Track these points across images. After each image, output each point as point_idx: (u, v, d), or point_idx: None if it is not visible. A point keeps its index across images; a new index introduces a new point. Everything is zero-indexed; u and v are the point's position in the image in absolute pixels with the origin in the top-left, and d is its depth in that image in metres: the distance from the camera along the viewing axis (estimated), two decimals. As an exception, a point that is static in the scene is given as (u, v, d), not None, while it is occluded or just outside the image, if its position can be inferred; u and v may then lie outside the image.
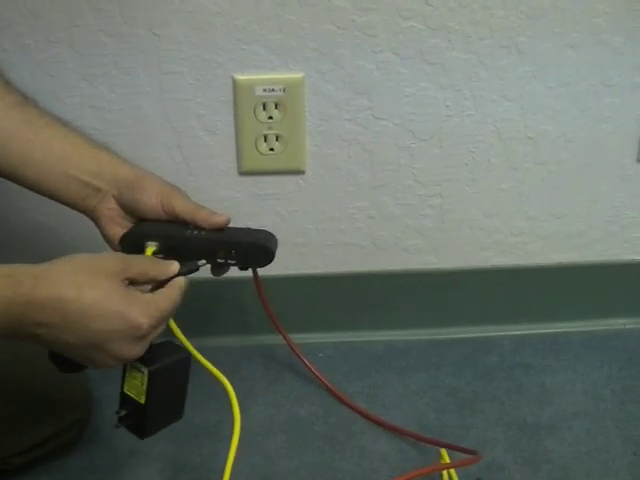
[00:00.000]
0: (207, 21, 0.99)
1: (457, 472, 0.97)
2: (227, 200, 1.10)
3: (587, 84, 1.06)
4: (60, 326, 0.71)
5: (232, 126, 1.05)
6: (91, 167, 0.85)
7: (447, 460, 0.98)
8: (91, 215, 0.87)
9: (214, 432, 1.06)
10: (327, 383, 1.11)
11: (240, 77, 1.02)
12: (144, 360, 0.77)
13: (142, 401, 0.78)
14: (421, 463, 1.01)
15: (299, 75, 1.03)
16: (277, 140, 1.06)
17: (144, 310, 0.73)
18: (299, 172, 1.09)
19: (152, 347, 0.77)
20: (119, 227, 0.85)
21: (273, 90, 1.02)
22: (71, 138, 0.87)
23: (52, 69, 1.01)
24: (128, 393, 0.79)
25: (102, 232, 0.87)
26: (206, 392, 1.11)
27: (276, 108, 1.04)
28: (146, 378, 0.77)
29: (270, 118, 1.04)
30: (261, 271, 1.08)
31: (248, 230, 0.85)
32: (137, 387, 0.78)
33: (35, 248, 1.12)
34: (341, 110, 1.05)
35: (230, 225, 0.84)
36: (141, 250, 0.82)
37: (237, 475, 0.96)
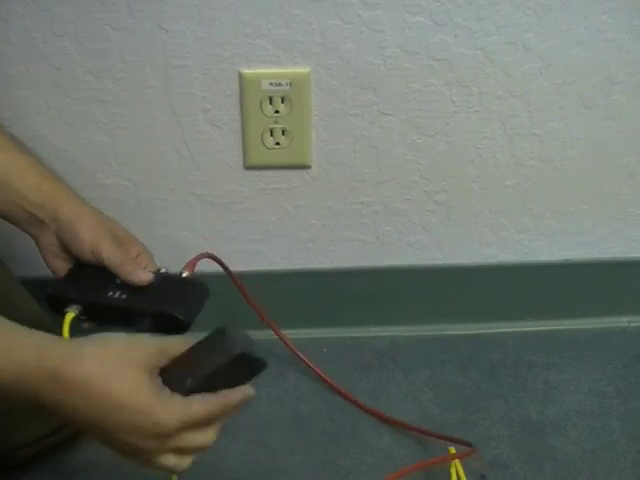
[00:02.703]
0: (213, 15, 0.99)
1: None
2: (232, 194, 1.10)
3: (593, 81, 1.06)
4: (81, 408, 0.69)
5: (238, 120, 1.05)
6: (35, 198, 0.86)
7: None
8: (35, 242, 0.88)
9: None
10: (325, 377, 1.11)
11: (246, 71, 1.02)
12: None
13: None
14: (426, 458, 1.01)
15: (305, 70, 1.02)
16: (283, 134, 1.05)
17: (170, 411, 0.69)
18: (305, 167, 1.09)
19: None
20: (60, 259, 0.87)
21: (279, 84, 1.02)
22: (20, 162, 0.87)
23: (58, 62, 1.01)
24: None
25: (44, 261, 0.88)
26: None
27: (282, 102, 1.03)
28: None
29: (276, 112, 1.04)
30: (265, 266, 1.09)
31: (173, 288, 0.83)
32: None
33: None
34: (347, 105, 1.05)
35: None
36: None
37: (241, 471, 0.97)
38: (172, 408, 0.70)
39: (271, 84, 1.02)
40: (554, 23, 1.02)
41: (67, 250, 0.86)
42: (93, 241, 0.84)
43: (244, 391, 0.73)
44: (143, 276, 0.83)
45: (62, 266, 0.87)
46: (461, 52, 1.03)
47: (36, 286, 1.04)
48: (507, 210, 1.15)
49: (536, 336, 1.21)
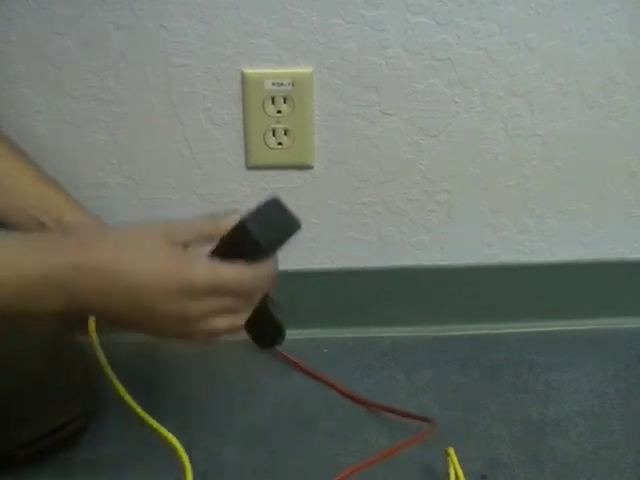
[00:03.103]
0: (215, 14, 0.99)
1: (462, 469, 0.97)
2: (234, 194, 1.10)
3: (596, 81, 1.06)
4: (111, 292, 0.69)
5: (240, 120, 1.05)
6: (39, 204, 0.87)
7: (454, 457, 0.97)
8: None
9: (220, 426, 1.06)
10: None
11: (249, 71, 1.02)
12: None
13: None
14: (425, 457, 1.01)
15: (308, 69, 1.02)
16: (285, 134, 1.05)
17: (199, 267, 0.69)
18: (307, 167, 1.09)
19: None
20: None
21: (282, 84, 1.02)
22: (24, 172, 0.90)
23: (59, 61, 1.01)
24: None
25: None
26: (214, 387, 1.12)
27: (285, 102, 1.03)
28: None
29: (279, 112, 1.04)
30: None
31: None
32: None
33: None
34: (349, 105, 1.05)
35: None
36: None
37: (242, 471, 0.97)
38: (201, 265, 0.70)
39: (273, 84, 1.02)
40: (556, 23, 1.02)
41: None
42: None
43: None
44: None
45: None
46: (463, 52, 1.03)
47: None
48: (509, 210, 1.15)
49: (537, 336, 1.20)
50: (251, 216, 0.73)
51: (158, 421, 1.05)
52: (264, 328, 0.81)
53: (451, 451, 0.98)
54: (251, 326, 0.77)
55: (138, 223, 0.74)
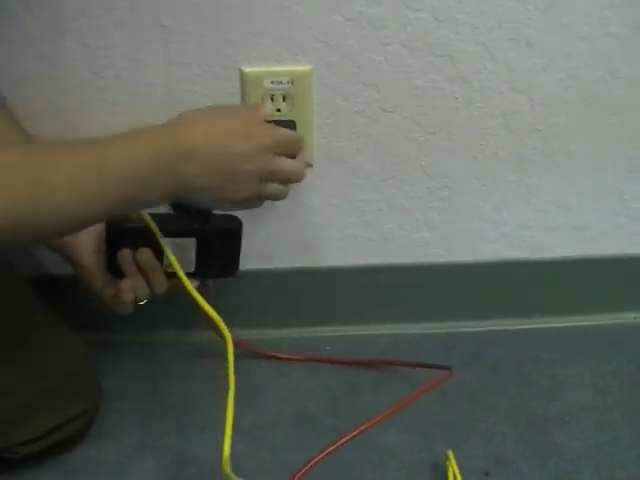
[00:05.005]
0: (214, 13, 0.99)
1: (465, 466, 0.97)
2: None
3: (596, 76, 1.06)
4: (205, 164, 0.84)
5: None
6: None
7: (452, 460, 0.97)
8: None
9: (220, 426, 1.06)
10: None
11: (248, 69, 1.02)
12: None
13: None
14: (429, 455, 1.01)
15: (307, 67, 1.02)
16: (285, 133, 1.05)
17: (264, 132, 0.89)
18: (307, 165, 1.09)
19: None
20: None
21: (281, 82, 1.02)
22: None
23: (58, 61, 1.01)
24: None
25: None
26: (216, 386, 1.12)
27: (284, 100, 1.03)
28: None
29: (278, 110, 1.04)
30: (270, 265, 1.09)
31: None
32: None
33: None
34: (349, 102, 1.05)
35: None
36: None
37: (244, 469, 0.97)
38: (265, 130, 0.90)
39: (272, 82, 1.02)
40: (556, 18, 1.02)
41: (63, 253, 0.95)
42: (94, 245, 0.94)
43: None
44: None
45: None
46: (463, 48, 1.02)
47: (42, 285, 1.05)
48: (510, 206, 1.14)
49: (540, 332, 1.20)
50: None
51: (158, 422, 1.06)
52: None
53: (450, 455, 0.98)
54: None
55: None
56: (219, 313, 0.91)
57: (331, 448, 0.94)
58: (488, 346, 1.18)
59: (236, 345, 0.93)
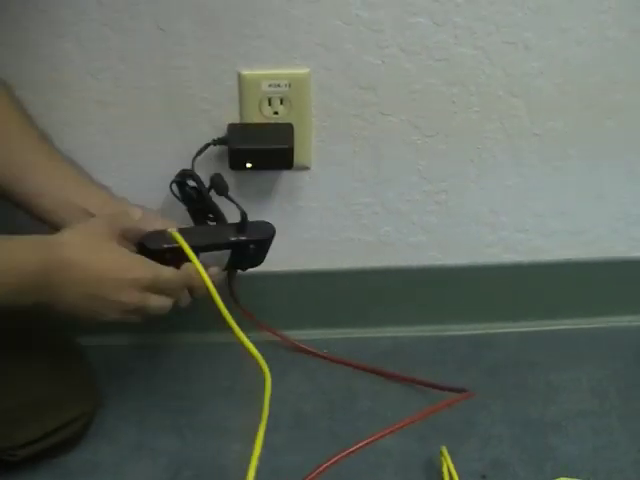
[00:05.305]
0: (213, 16, 0.99)
1: (462, 469, 0.97)
2: (233, 195, 1.10)
3: (593, 80, 1.06)
4: (79, 281, 0.85)
5: (237, 121, 1.05)
6: (96, 202, 0.96)
7: (447, 456, 0.98)
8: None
9: (219, 428, 1.06)
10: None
11: (246, 72, 1.02)
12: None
13: None
14: (426, 458, 1.01)
15: (305, 70, 1.02)
16: (282, 136, 1.05)
17: (144, 267, 0.89)
18: (304, 168, 1.09)
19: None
20: None
21: (279, 85, 1.02)
22: (76, 173, 1.00)
23: (57, 64, 1.01)
24: None
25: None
26: (213, 388, 1.12)
27: (281, 104, 1.03)
28: None
29: (275, 113, 1.04)
30: (268, 267, 1.09)
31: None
32: None
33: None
34: (347, 106, 1.05)
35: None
36: None
37: (243, 471, 0.97)
38: (145, 265, 0.89)
39: (270, 85, 1.02)
40: (554, 22, 1.02)
41: None
42: None
43: (211, 270, 0.93)
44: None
45: None
46: (461, 52, 1.03)
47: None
48: (507, 210, 1.15)
49: (537, 336, 1.21)
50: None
51: (155, 424, 1.06)
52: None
53: (444, 450, 0.98)
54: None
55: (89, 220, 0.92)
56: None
57: (337, 457, 0.94)
58: (485, 349, 1.19)
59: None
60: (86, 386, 1.03)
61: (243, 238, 0.96)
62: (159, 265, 0.90)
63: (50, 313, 0.86)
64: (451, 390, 1.08)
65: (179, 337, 1.18)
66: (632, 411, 1.08)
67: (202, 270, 0.90)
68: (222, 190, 0.99)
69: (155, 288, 0.89)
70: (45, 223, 0.95)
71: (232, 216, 0.98)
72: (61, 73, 1.01)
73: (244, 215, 0.95)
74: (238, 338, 0.90)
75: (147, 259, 0.90)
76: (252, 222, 0.96)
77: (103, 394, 1.06)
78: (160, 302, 0.90)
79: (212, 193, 1.00)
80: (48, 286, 0.83)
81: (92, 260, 0.86)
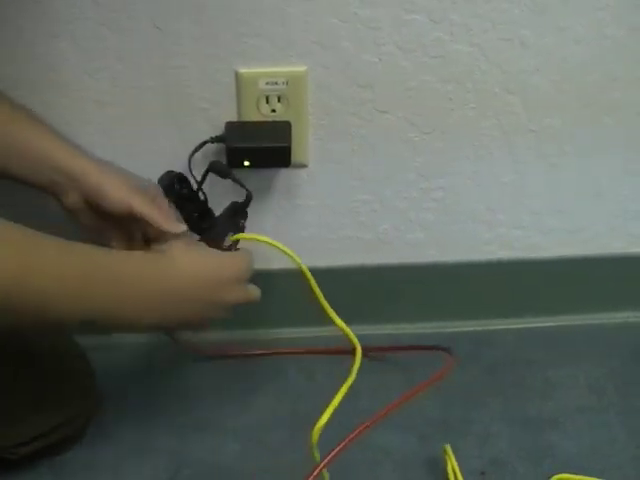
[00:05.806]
0: (210, 15, 0.99)
1: (461, 465, 0.97)
2: (230, 193, 1.10)
3: (591, 78, 1.06)
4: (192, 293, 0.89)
5: (235, 120, 1.05)
6: (61, 161, 0.93)
7: (451, 455, 0.98)
8: (60, 202, 0.95)
9: (219, 428, 1.06)
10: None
11: (243, 71, 1.02)
12: None
13: None
14: (425, 455, 1.01)
15: (302, 68, 1.02)
16: (280, 134, 1.06)
17: (237, 260, 0.95)
18: (302, 166, 1.09)
19: None
20: (87, 216, 0.96)
21: (276, 83, 1.02)
22: (48, 134, 0.96)
23: (53, 63, 1.01)
24: None
25: (70, 218, 0.96)
26: (210, 386, 1.12)
27: (279, 101, 1.03)
28: None
29: (273, 111, 1.04)
30: (264, 264, 1.09)
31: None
32: None
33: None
34: (344, 103, 1.05)
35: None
36: None
37: (241, 469, 0.97)
38: (236, 259, 0.94)
39: (267, 83, 1.02)
40: (551, 19, 1.02)
41: (95, 207, 0.94)
42: (123, 200, 0.93)
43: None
44: (178, 228, 0.94)
45: (89, 221, 0.96)
46: (457, 49, 1.03)
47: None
48: (504, 207, 1.15)
49: (535, 333, 1.21)
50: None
51: (154, 423, 1.06)
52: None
53: (448, 449, 0.98)
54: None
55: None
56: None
57: (334, 452, 0.93)
58: (482, 346, 1.19)
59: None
60: (86, 386, 1.03)
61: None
62: (240, 254, 0.96)
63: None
64: (429, 349, 1.09)
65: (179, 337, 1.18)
66: (630, 407, 1.08)
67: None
68: (225, 173, 1.01)
69: (247, 278, 0.94)
70: (24, 184, 0.94)
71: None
72: (59, 73, 1.01)
73: (249, 195, 1.00)
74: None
75: (233, 252, 0.97)
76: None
77: (103, 394, 1.06)
78: (256, 290, 0.96)
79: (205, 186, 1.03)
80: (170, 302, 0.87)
81: (198, 269, 0.90)
